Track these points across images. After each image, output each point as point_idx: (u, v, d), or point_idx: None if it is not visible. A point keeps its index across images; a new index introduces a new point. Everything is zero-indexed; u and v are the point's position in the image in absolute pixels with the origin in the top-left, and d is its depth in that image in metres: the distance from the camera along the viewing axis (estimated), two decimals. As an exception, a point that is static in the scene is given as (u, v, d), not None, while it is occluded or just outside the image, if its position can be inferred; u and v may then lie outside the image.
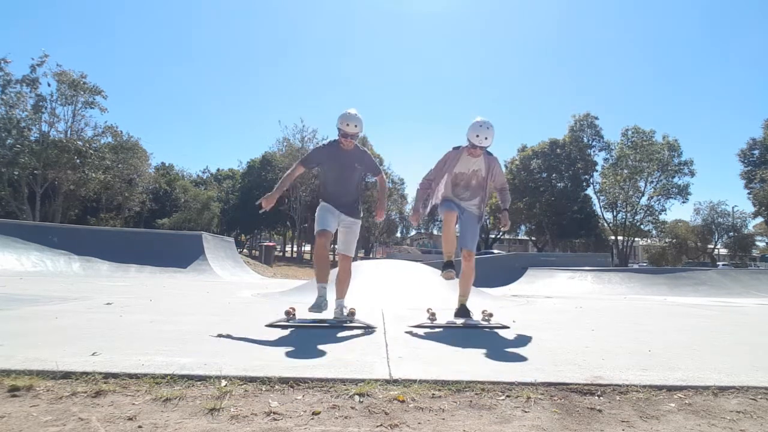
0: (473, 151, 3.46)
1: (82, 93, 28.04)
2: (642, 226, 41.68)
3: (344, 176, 3.49)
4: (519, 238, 50.61)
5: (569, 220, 40.29)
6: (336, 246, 3.60)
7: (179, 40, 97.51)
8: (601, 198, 42.17)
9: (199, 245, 12.59)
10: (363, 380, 1.82)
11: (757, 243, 50.53)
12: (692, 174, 39.14)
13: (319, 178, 3.63)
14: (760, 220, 40.54)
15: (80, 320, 3.25)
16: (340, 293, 3.50)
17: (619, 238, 41.32)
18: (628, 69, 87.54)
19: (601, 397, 1.74)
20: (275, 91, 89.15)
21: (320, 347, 2.46)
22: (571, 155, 40.97)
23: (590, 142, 42.08)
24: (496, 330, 3.29)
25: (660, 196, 39.95)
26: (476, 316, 3.55)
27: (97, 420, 1.44)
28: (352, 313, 3.41)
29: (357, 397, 1.67)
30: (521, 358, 2.32)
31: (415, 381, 1.83)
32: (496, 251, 33.94)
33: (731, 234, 47.11)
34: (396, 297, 5.14)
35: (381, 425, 1.46)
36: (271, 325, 3.13)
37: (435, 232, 48.53)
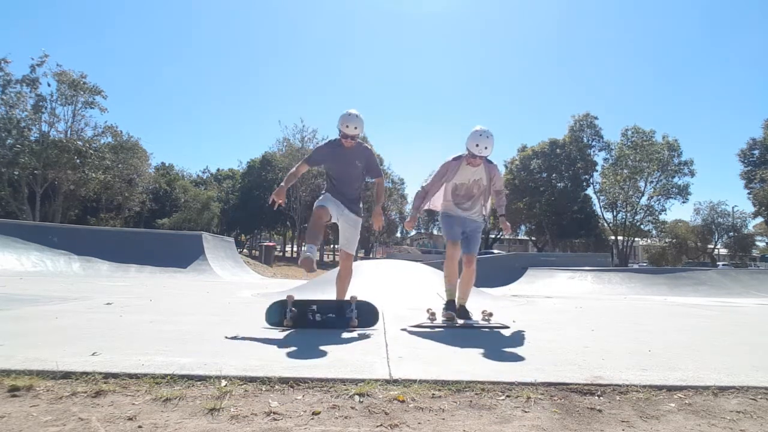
0: (473, 161, 3.45)
1: (82, 93, 28.05)
2: (642, 226, 41.70)
3: (347, 173, 3.52)
4: (519, 238, 50.58)
5: (569, 220, 40.30)
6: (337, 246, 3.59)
7: (179, 40, 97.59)
8: (601, 198, 42.23)
9: (199, 245, 12.61)
10: (363, 380, 1.82)
11: (757, 243, 50.60)
12: (692, 174, 39.26)
13: (325, 174, 3.63)
14: (760, 220, 40.58)
15: (80, 320, 3.26)
16: (341, 292, 3.49)
17: (619, 238, 41.33)
18: (628, 69, 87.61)
19: (601, 397, 1.74)
20: (275, 91, 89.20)
21: (320, 347, 2.46)
22: (571, 155, 40.97)
23: (590, 142, 42.08)
24: (496, 330, 3.29)
25: (660, 196, 39.99)
26: (476, 316, 3.55)
27: (97, 420, 1.44)
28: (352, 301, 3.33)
29: (357, 397, 1.67)
30: (521, 358, 2.32)
31: (415, 381, 1.83)
32: (496, 251, 33.96)
33: (731, 234, 47.13)
34: (396, 297, 5.13)
35: (381, 425, 1.46)
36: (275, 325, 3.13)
37: (435, 232, 48.51)
